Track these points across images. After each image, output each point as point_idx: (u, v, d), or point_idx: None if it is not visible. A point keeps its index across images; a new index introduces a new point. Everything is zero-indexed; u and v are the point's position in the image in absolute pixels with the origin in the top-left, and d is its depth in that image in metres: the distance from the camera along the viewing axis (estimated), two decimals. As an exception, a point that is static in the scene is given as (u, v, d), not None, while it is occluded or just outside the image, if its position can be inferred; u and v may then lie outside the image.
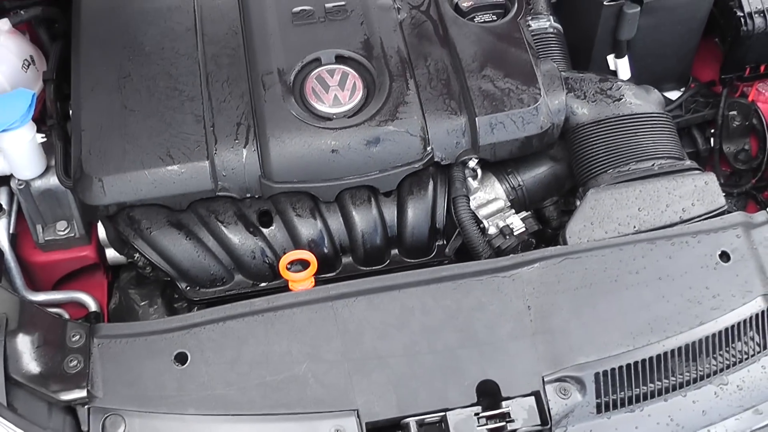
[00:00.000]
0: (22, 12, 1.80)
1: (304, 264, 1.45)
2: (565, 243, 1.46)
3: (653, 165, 1.58)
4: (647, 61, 1.98)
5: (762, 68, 2.04)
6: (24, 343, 1.29)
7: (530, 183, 1.64)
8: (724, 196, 2.02)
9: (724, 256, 1.44)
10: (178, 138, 1.50)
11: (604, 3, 1.82)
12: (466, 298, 1.36)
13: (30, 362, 1.27)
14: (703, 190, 1.54)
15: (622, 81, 1.73)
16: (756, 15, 1.89)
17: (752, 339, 1.40)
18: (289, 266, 1.46)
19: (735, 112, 2.09)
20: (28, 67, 1.74)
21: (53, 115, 1.69)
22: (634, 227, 1.48)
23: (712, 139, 2.12)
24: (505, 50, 1.63)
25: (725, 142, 2.11)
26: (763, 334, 1.40)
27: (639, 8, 1.83)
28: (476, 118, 1.52)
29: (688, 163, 1.62)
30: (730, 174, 2.14)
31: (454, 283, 1.37)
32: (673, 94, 2.12)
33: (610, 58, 1.95)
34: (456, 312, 1.35)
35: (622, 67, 1.94)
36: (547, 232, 1.70)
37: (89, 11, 1.72)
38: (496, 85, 1.56)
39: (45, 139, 1.63)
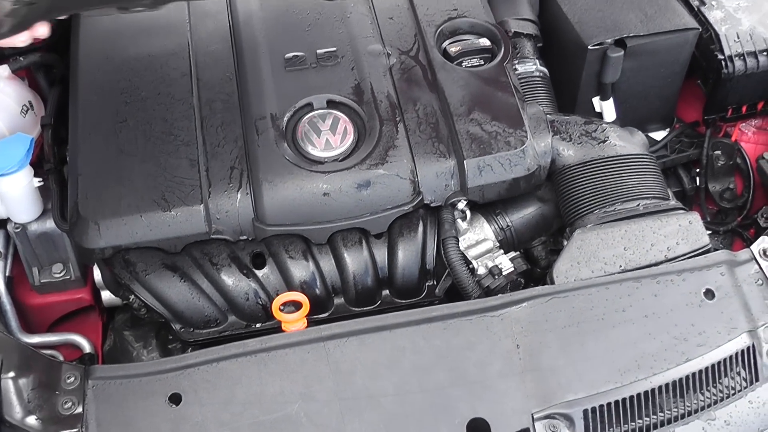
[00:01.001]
0: (21, 58, 1.83)
1: (296, 305, 1.48)
2: (552, 282, 1.48)
3: (638, 205, 1.62)
4: (632, 103, 2.02)
5: (744, 109, 2.08)
6: (19, 386, 1.29)
7: (518, 224, 1.67)
8: (711, 233, 2.08)
9: (709, 294, 1.46)
10: (173, 182, 1.53)
11: (589, 47, 1.86)
12: (456, 338, 1.38)
13: (25, 405, 1.29)
14: (688, 229, 1.57)
15: (607, 123, 1.77)
16: (736, 58, 1.93)
17: (739, 374, 1.42)
18: (282, 307, 1.48)
19: (719, 152, 2.13)
20: (26, 112, 1.77)
21: (50, 160, 1.72)
22: (620, 266, 1.51)
23: (697, 179, 2.15)
24: (492, 94, 1.67)
25: (710, 181, 2.15)
26: (750, 370, 1.42)
27: (622, 52, 1.87)
28: (464, 161, 1.55)
29: (672, 203, 1.66)
30: (716, 212, 2.18)
31: (443, 323, 1.39)
32: (659, 135, 2.15)
33: (596, 100, 1.99)
34: (446, 351, 1.36)
35: (607, 109, 1.98)
36: (536, 272, 1.73)
37: (87, 57, 1.76)
38: (483, 128, 1.60)
39: (42, 183, 1.66)
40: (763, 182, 1.98)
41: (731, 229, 2.09)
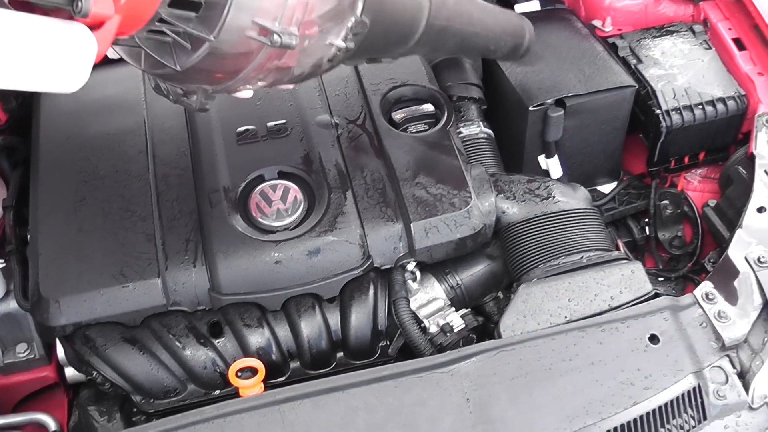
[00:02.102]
0: (-18, 142, 1.90)
1: (252, 371, 1.54)
2: (499, 336, 1.54)
3: (582, 258, 1.69)
4: (577, 159, 2.13)
5: (686, 159, 2.20)
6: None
7: (468, 281, 1.75)
8: (663, 280, 2.17)
9: (654, 339, 1.52)
10: (131, 257, 1.60)
11: (530, 108, 1.97)
12: (408, 395, 1.44)
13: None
14: (630, 278, 1.64)
15: (550, 180, 1.86)
16: (673, 112, 2.05)
17: (687, 414, 1.48)
18: (238, 374, 1.54)
19: (667, 201, 2.23)
20: (-12, 195, 1.83)
21: (12, 241, 1.78)
22: (566, 317, 1.58)
23: (647, 228, 2.25)
24: (436, 158, 1.76)
25: (660, 229, 2.25)
26: (697, 410, 1.48)
27: (562, 111, 1.98)
28: (411, 224, 1.63)
29: (615, 253, 1.74)
30: (668, 259, 2.27)
31: (395, 381, 1.44)
32: (607, 188, 2.26)
33: (541, 158, 2.09)
34: (398, 408, 1.42)
35: (552, 166, 2.09)
36: (489, 327, 1.79)
37: (47, 138, 1.84)
38: (429, 191, 1.68)
39: (4, 265, 1.72)
40: (710, 229, 2.06)
41: (683, 275, 2.18)
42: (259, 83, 1.30)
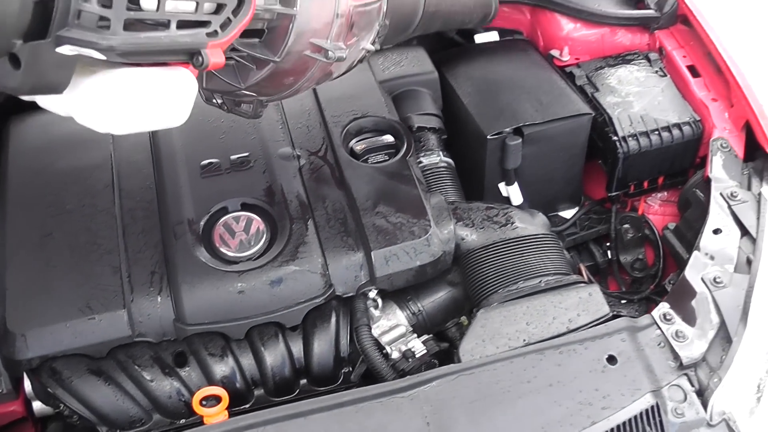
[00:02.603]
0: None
1: (216, 399, 1.57)
2: (459, 361, 1.58)
3: (540, 282, 1.74)
4: (538, 186, 2.18)
5: (645, 184, 2.25)
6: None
7: (430, 308, 1.79)
8: (626, 302, 2.23)
9: (612, 360, 1.55)
10: (97, 289, 1.64)
11: (488, 137, 2.03)
12: (368, 420, 1.47)
13: None
14: (588, 300, 1.69)
15: (508, 207, 1.91)
16: (630, 138, 2.11)
17: None
18: (202, 402, 1.57)
19: (628, 225, 2.29)
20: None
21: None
22: (524, 340, 1.61)
23: (608, 252, 2.31)
24: (396, 187, 1.82)
25: (621, 253, 2.30)
26: (656, 428, 1.50)
27: (520, 140, 2.04)
28: (372, 253, 1.68)
29: (573, 277, 1.79)
30: (631, 282, 2.33)
31: (355, 407, 1.47)
32: (569, 213, 2.32)
33: (502, 185, 2.14)
34: (359, 434, 1.46)
35: (513, 193, 2.14)
36: (452, 352, 1.84)
37: (15, 174, 1.88)
38: (389, 220, 1.74)
39: (-29, 300, 1.75)
40: (671, 251, 2.12)
41: (645, 297, 2.22)
42: (309, 87, 1.50)
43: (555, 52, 2.40)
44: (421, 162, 2.01)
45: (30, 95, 1.07)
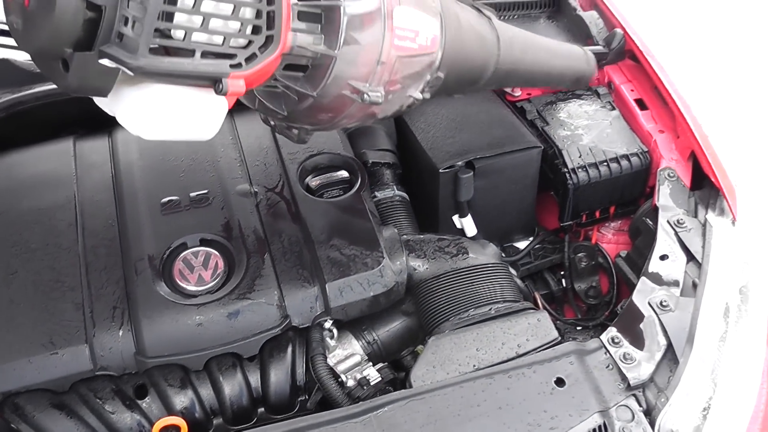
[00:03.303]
0: None
1: (176, 429, 1.64)
2: (410, 386, 1.64)
3: (490, 309, 1.82)
4: (492, 217, 2.26)
5: (597, 214, 2.35)
6: None
7: (385, 337, 1.87)
8: (582, 328, 2.31)
9: (560, 382, 1.61)
10: (60, 325, 1.69)
11: (440, 170, 2.11)
12: (323, 445, 1.55)
13: None
14: (536, 326, 1.76)
15: (459, 238, 2.00)
16: (579, 170, 2.20)
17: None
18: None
19: (582, 254, 2.37)
20: None
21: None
22: (474, 366, 1.67)
23: (563, 280, 2.40)
24: (350, 221, 1.90)
25: (576, 281, 2.38)
26: None
27: (472, 173, 2.12)
28: (326, 284, 1.75)
29: (523, 304, 1.86)
30: (586, 309, 2.42)
31: (310, 433, 1.56)
32: (524, 244, 2.40)
33: (455, 218, 2.22)
34: (314, 458, 1.52)
35: (467, 225, 2.22)
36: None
37: (-19, 217, 1.93)
38: (343, 252, 1.81)
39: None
40: (623, 278, 2.20)
41: (600, 323, 2.30)
42: (350, 124, 1.60)
43: (507, 89, 2.50)
44: (375, 196, 2.10)
45: (78, 94, 1.25)
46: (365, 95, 1.43)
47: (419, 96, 1.61)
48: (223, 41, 1.23)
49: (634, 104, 2.40)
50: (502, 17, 2.59)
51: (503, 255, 2.32)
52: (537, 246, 2.41)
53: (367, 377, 1.77)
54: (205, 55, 1.21)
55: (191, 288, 1.77)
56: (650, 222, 2.11)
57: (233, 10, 1.22)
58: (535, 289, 2.34)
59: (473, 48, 1.74)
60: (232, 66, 1.24)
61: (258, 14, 1.25)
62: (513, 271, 2.23)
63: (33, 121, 2.20)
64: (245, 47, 1.26)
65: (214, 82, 1.24)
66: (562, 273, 2.41)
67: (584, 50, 2.25)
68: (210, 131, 1.34)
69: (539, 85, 2.24)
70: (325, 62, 1.40)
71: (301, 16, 1.34)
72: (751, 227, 2.11)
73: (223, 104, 1.30)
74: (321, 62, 1.40)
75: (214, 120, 1.32)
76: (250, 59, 1.26)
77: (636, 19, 2.59)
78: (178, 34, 1.20)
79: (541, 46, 2.06)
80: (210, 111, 1.30)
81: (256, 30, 1.25)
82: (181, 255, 1.82)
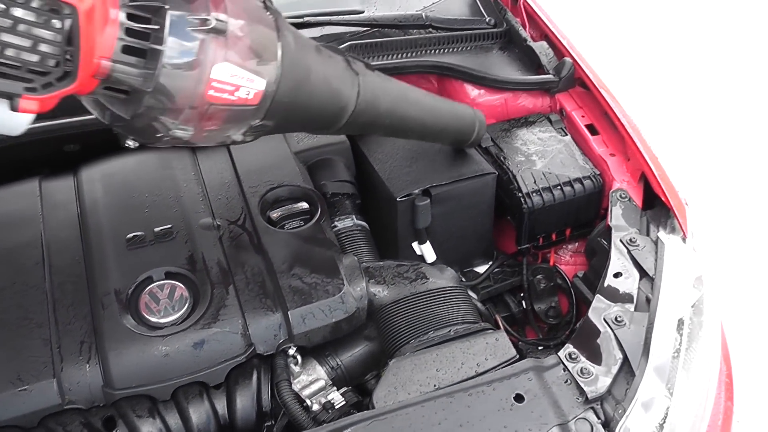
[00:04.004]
0: None
1: (144, 458, 1.70)
2: (373, 408, 1.71)
3: (449, 331, 1.89)
4: (451, 243, 2.34)
5: (553, 236, 2.44)
6: None
7: (348, 362, 1.93)
8: (543, 348, 2.39)
9: (519, 398, 1.69)
10: (28, 362, 1.73)
11: (398, 199, 2.19)
12: (289, 466, 1.61)
13: None
14: (495, 345, 1.83)
15: (418, 264, 2.08)
16: (533, 194, 2.28)
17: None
18: (130, 461, 1.69)
19: (540, 276, 2.45)
20: None
21: None
22: (434, 386, 1.74)
23: (523, 302, 2.48)
24: (311, 250, 1.97)
25: (535, 302, 2.45)
26: None
27: (428, 200, 2.20)
28: (289, 312, 1.82)
29: (481, 325, 1.94)
30: (547, 329, 2.50)
31: (276, 455, 1.62)
32: (484, 268, 2.49)
33: (415, 245, 2.30)
34: (280, 480, 1.59)
35: (426, 251, 2.29)
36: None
37: (-52, 256, 1.97)
38: (304, 281, 1.88)
39: None
40: (581, 297, 2.28)
41: (561, 342, 2.38)
42: (160, 146, 1.62)
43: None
44: (336, 226, 2.18)
45: None
46: (171, 131, 1.53)
47: (239, 138, 1.69)
48: (19, 68, 1.30)
49: (585, 129, 2.50)
50: (455, 49, 2.71)
51: (463, 279, 2.40)
52: (496, 270, 2.49)
53: (332, 401, 1.83)
54: (4, 75, 1.30)
55: (157, 320, 1.82)
56: (604, 242, 2.19)
57: (32, 45, 1.29)
58: (496, 311, 2.42)
59: (320, 101, 1.78)
60: (26, 89, 1.32)
61: (57, 51, 1.33)
62: (473, 294, 2.32)
63: None
64: (42, 75, 1.33)
65: (10, 98, 1.32)
66: (521, 295, 2.48)
67: (475, 113, 2.32)
68: (14, 131, 1.42)
69: (413, 138, 2.27)
70: (141, 94, 1.47)
71: (125, 49, 1.41)
72: (701, 243, 2.21)
73: (21, 115, 1.38)
74: (138, 93, 1.47)
75: (17, 124, 1.40)
76: (46, 86, 1.34)
77: (584, 48, 2.71)
78: None
79: (420, 104, 2.10)
80: (9, 118, 1.37)
81: (57, 63, 1.34)
82: (147, 288, 1.88)
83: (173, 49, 1.44)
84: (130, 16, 1.41)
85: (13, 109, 1.32)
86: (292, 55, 1.64)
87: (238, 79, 1.53)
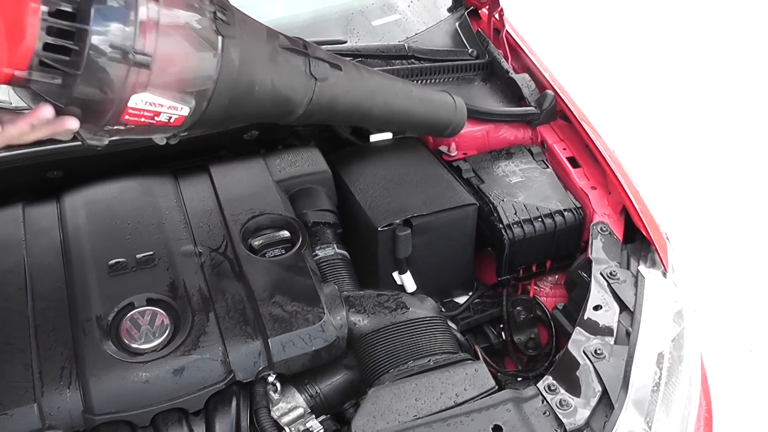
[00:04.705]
0: None
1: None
2: None
3: (429, 361, 1.93)
4: (431, 273, 2.39)
5: (534, 268, 2.49)
6: None
7: (327, 390, 1.97)
8: (522, 380, 2.43)
9: (498, 429, 1.72)
10: (9, 387, 1.77)
11: (379, 229, 2.24)
12: (266, 493, 1.65)
13: None
14: (474, 376, 1.87)
15: (398, 293, 2.12)
16: (514, 226, 2.34)
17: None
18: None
19: (520, 308, 2.50)
20: None
21: None
22: (414, 415, 1.78)
23: (503, 333, 2.53)
24: (291, 279, 2.02)
25: (515, 333, 2.49)
26: None
27: (409, 230, 2.25)
28: (269, 340, 1.86)
29: (461, 355, 1.98)
30: (527, 360, 2.54)
31: (253, 482, 1.66)
32: (463, 299, 2.54)
33: (395, 274, 2.35)
34: (258, 506, 1.63)
35: (406, 281, 2.34)
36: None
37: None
38: (284, 309, 1.93)
39: None
40: (560, 329, 2.34)
41: (540, 373, 2.42)
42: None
43: (443, 148, 2.65)
44: (317, 255, 2.23)
45: None
46: (86, 141, 1.55)
47: (162, 142, 1.73)
48: None
49: (566, 162, 2.57)
50: (438, 80, 2.78)
51: (443, 309, 2.45)
52: (476, 300, 2.54)
53: (310, 429, 1.86)
54: None
55: (138, 346, 1.86)
56: (585, 275, 2.24)
57: None
58: (475, 342, 2.46)
59: (259, 108, 1.79)
60: None
61: None
62: (453, 325, 2.37)
63: None
64: None
65: None
66: (501, 326, 2.52)
67: (455, 101, 2.38)
68: None
69: (380, 129, 2.33)
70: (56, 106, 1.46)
71: (43, 64, 1.39)
72: (682, 278, 2.27)
73: None
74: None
75: None
76: None
77: (566, 81, 2.78)
78: None
79: (390, 99, 2.12)
80: None
81: None
82: (128, 315, 1.92)
83: (88, 74, 1.42)
84: (50, 30, 1.38)
85: None
86: (232, 74, 1.61)
87: (157, 107, 1.53)
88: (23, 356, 1.85)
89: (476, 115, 2.67)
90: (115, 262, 2.05)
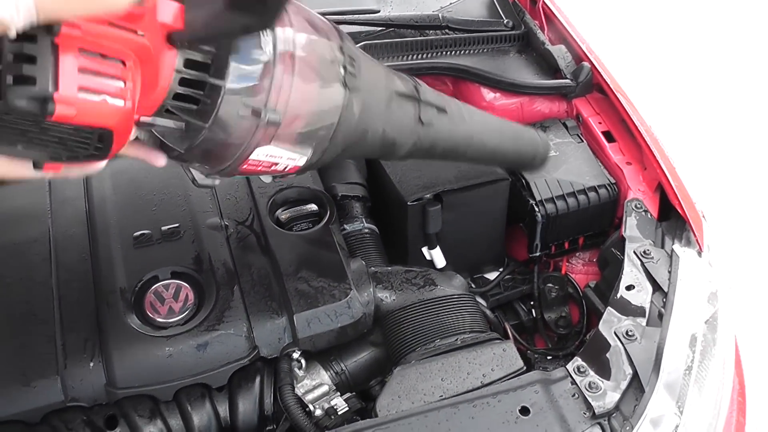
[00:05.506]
0: None
1: (144, 459, 1.72)
2: (376, 416, 1.73)
3: (456, 340, 1.90)
4: (461, 249, 2.36)
5: (566, 245, 2.45)
6: None
7: (353, 367, 1.95)
8: (552, 358, 2.40)
9: (525, 411, 1.70)
10: (32, 358, 1.77)
11: (408, 203, 2.21)
12: (289, 472, 1.63)
13: None
14: (502, 356, 1.84)
15: (426, 270, 2.09)
16: (546, 202, 2.30)
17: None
18: (130, 462, 1.72)
19: (551, 285, 2.47)
20: None
21: None
22: (439, 396, 1.76)
23: (533, 310, 2.50)
24: (318, 254, 1.99)
25: (546, 311, 2.46)
26: None
27: (440, 205, 2.22)
28: (294, 316, 1.84)
29: (489, 334, 1.95)
30: (557, 339, 2.51)
31: (276, 460, 1.65)
32: (494, 275, 2.51)
33: (425, 249, 2.31)
34: (279, 487, 1.62)
35: (436, 256, 2.31)
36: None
37: (-44, 250, 2.01)
38: (311, 284, 1.90)
39: None
40: (592, 308, 2.30)
41: (570, 352, 2.39)
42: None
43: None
44: (344, 229, 2.19)
45: None
46: (197, 182, 1.56)
47: (269, 180, 1.77)
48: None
49: (601, 136, 2.51)
50: (472, 51, 2.72)
51: (473, 286, 2.42)
52: (507, 277, 2.51)
53: (335, 407, 1.85)
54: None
55: (161, 320, 1.85)
56: (618, 253, 2.20)
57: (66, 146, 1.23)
58: (505, 319, 2.44)
59: (365, 152, 1.77)
60: (52, 158, 1.23)
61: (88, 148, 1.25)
62: (482, 302, 2.33)
63: None
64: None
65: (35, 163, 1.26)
66: (532, 303, 2.50)
67: (538, 133, 2.21)
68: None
69: (481, 165, 2.26)
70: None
71: (168, 111, 1.33)
72: (717, 258, 2.21)
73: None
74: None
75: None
76: (71, 158, 1.25)
77: (603, 53, 2.71)
78: None
79: (483, 142, 1.97)
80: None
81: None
82: (152, 288, 1.90)
83: (215, 127, 1.35)
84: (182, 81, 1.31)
85: (36, 168, 1.23)
86: (350, 126, 1.56)
87: (276, 159, 1.48)
88: (47, 328, 1.84)
89: (510, 88, 2.62)
90: (140, 234, 2.03)
